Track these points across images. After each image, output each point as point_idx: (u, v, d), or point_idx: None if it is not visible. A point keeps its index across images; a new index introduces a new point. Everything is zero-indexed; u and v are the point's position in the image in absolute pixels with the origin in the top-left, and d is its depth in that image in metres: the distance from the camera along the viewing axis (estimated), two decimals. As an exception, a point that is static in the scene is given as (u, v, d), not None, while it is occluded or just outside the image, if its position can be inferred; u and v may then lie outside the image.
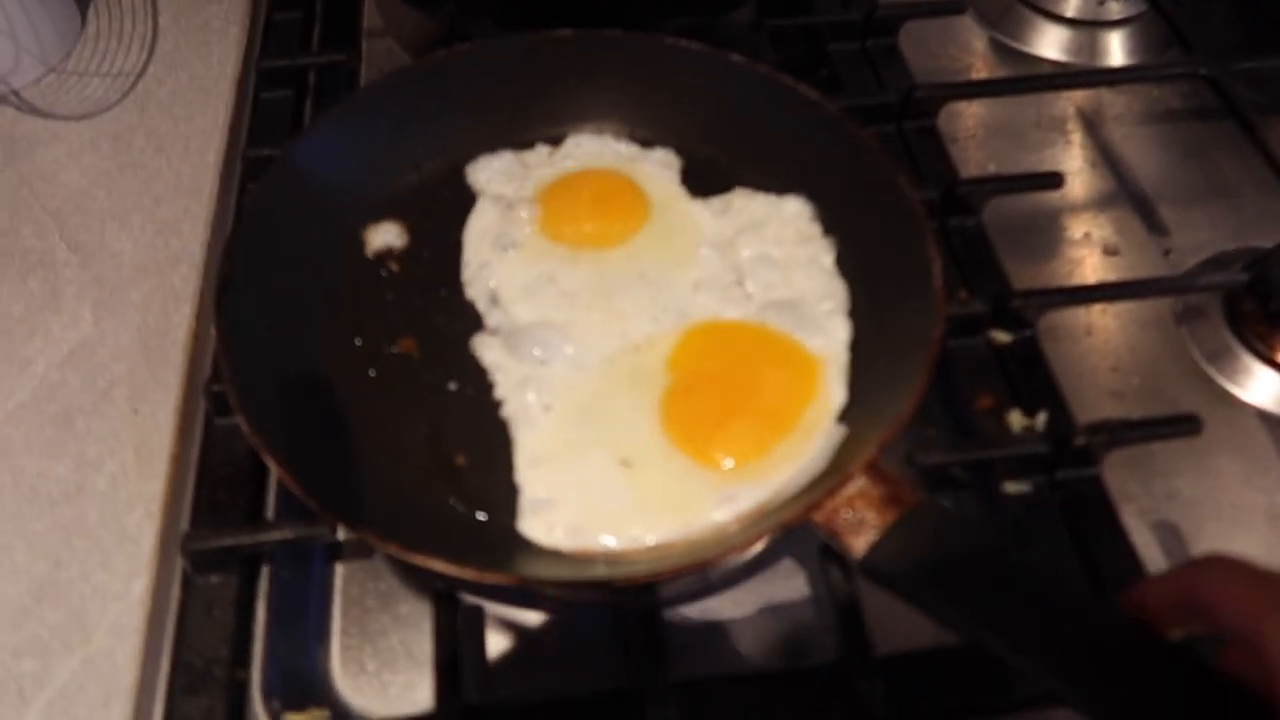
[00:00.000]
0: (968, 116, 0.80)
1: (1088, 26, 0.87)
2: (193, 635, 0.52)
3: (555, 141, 0.68)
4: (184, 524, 0.56)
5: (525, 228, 0.63)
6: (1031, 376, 0.61)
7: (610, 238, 0.63)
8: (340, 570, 0.57)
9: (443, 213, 0.65)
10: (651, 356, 0.57)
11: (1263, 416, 0.64)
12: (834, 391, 0.56)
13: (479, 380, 0.57)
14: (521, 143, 0.68)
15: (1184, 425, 0.57)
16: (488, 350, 0.58)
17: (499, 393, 0.56)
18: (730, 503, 0.51)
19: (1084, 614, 0.42)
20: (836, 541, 0.46)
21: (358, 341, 0.59)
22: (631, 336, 0.58)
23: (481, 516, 0.53)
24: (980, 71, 0.86)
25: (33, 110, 0.75)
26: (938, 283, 0.53)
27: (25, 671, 0.51)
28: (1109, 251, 0.73)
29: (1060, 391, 0.60)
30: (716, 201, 0.65)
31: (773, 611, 0.56)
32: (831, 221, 0.63)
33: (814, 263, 0.62)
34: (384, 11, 0.88)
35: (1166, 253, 0.72)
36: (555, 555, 0.50)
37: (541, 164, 0.67)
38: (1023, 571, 0.44)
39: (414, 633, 0.55)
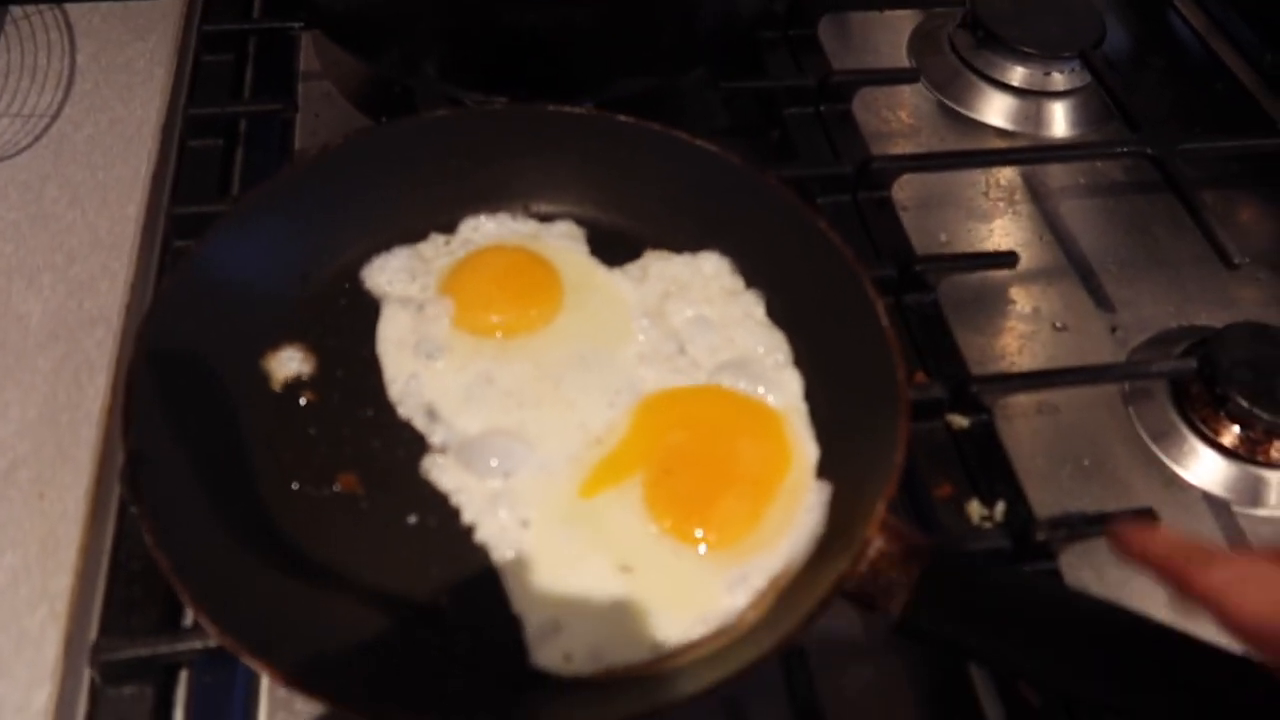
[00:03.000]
0: (917, 183, 0.80)
1: (1033, 96, 0.88)
2: (101, 755, 0.47)
3: (448, 228, 0.64)
4: (94, 626, 0.51)
5: (444, 328, 0.59)
6: (989, 463, 0.60)
7: (535, 320, 0.59)
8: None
9: (345, 327, 0.59)
10: (617, 444, 0.54)
11: (1208, 499, 0.64)
12: (806, 446, 0.55)
13: (440, 507, 0.52)
14: (412, 234, 0.63)
15: (1140, 518, 0.57)
16: (442, 473, 0.53)
17: (467, 517, 0.52)
18: (743, 583, 0.49)
19: (1135, 632, 0.43)
20: (870, 608, 0.45)
21: (295, 486, 0.53)
22: (591, 427, 0.55)
23: (483, 660, 0.48)
24: (927, 135, 0.86)
25: (-68, 153, 0.69)
26: (889, 331, 0.53)
27: (-94, 800, 0.46)
28: (1058, 328, 0.73)
29: (1018, 480, 0.60)
30: (632, 268, 0.63)
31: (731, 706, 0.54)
32: (752, 273, 0.63)
33: (749, 317, 0.61)
34: (322, 54, 0.85)
35: (1113, 330, 0.73)
36: (578, 685, 0.46)
37: (440, 254, 0.63)
38: (1059, 599, 0.46)
39: (348, 738, 0.51)
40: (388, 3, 0.70)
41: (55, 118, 0.72)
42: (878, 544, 0.46)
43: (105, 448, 0.57)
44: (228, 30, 0.78)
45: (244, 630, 0.43)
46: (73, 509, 0.54)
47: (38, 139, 0.71)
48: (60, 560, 0.52)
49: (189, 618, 0.52)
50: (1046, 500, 0.61)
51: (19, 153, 0.70)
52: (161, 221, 0.67)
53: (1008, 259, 0.68)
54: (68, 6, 0.77)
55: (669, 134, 0.63)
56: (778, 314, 0.61)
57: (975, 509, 0.58)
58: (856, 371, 0.55)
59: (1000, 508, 0.58)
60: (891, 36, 0.94)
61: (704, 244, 0.64)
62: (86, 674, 0.50)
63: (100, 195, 0.68)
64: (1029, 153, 0.78)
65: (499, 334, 0.59)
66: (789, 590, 0.49)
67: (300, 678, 0.42)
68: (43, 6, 0.78)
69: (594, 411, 0.56)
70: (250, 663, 0.42)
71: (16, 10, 0.78)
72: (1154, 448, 0.66)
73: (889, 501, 0.48)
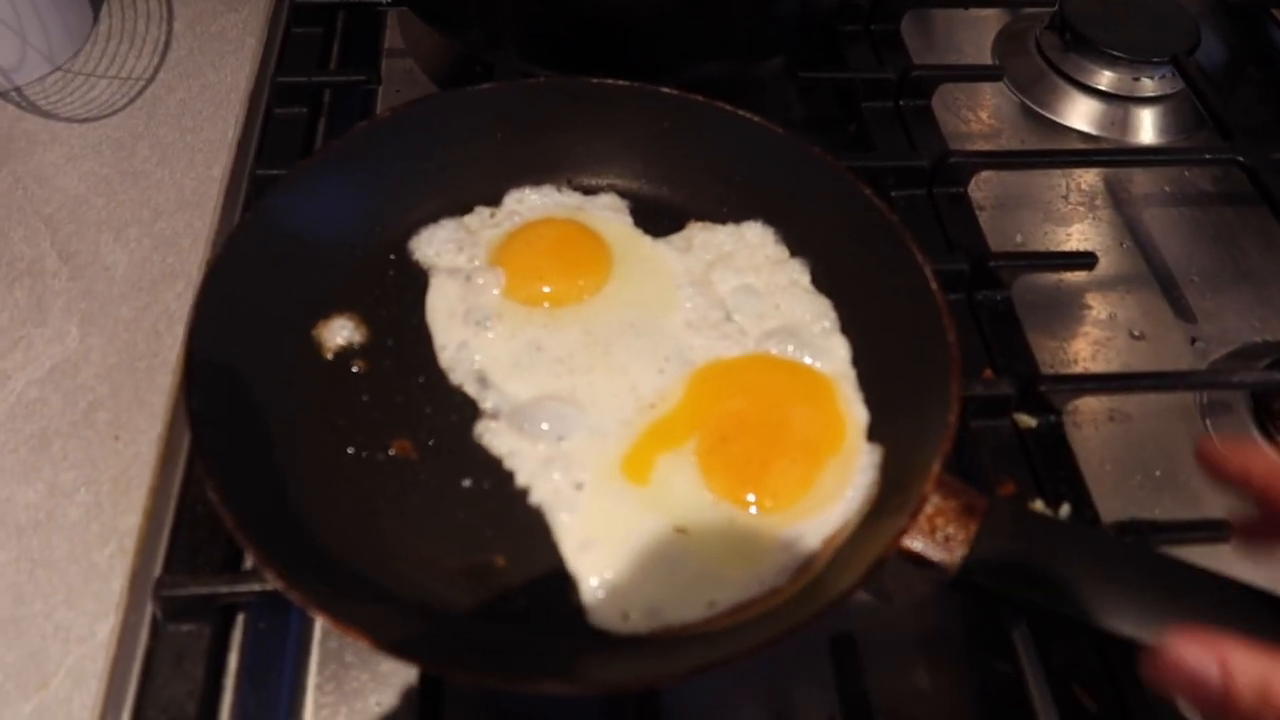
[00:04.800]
0: (995, 183, 0.78)
1: (1120, 101, 0.86)
2: (158, 688, 0.48)
3: (493, 200, 0.65)
4: (158, 564, 0.52)
5: (492, 297, 0.59)
6: (1056, 465, 0.58)
7: (584, 291, 0.60)
8: (319, 622, 0.54)
9: (394, 297, 0.59)
10: (670, 410, 0.55)
11: (1288, 520, 0.61)
12: (856, 410, 0.55)
13: (494, 471, 0.53)
14: (458, 206, 0.64)
15: (1213, 531, 0.54)
16: (495, 437, 0.54)
17: (521, 480, 0.52)
18: (797, 544, 0.49)
19: (1200, 584, 0.44)
20: (927, 563, 0.46)
21: (350, 451, 0.53)
22: (642, 393, 0.55)
23: (541, 619, 0.48)
24: (1008, 137, 0.85)
25: (34, 109, 0.72)
26: (938, 293, 0.53)
27: (-26, 716, 0.47)
28: (1135, 336, 0.71)
29: (1085, 483, 0.58)
30: (677, 239, 0.64)
31: (778, 694, 0.53)
32: (796, 242, 0.63)
33: (794, 285, 0.61)
34: (406, 32, 0.86)
35: (1193, 341, 0.70)
36: (635, 642, 0.46)
37: (485, 226, 0.63)
38: (1118, 551, 0.47)
39: (392, 694, 0.52)
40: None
41: (150, 81, 0.75)
42: (935, 500, 0.47)
43: (178, 396, 0.58)
44: (318, 3, 0.80)
45: (306, 581, 0.44)
46: (145, 452, 0.56)
47: (132, 100, 0.73)
48: (131, 500, 0.54)
49: (248, 561, 0.53)
50: (1113, 507, 0.59)
51: (114, 113, 0.72)
52: (244, 183, 0.69)
53: (1086, 260, 0.66)
54: (168, -25, 0.80)
55: (712, 105, 0.64)
56: (822, 281, 0.61)
57: (1039, 509, 0.56)
58: (905, 335, 0.55)
59: (1065, 510, 0.56)
60: (975, 36, 0.92)
61: (747, 214, 0.64)
62: (149, 609, 0.51)
63: (188, 156, 0.70)
64: (1115, 155, 0.76)
65: (548, 303, 0.60)
66: (845, 549, 0.49)
67: (361, 628, 0.42)
68: (145, -25, 0.81)
69: (644, 377, 0.56)
70: (312, 611, 0.43)
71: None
72: (1230, 464, 0.64)
73: (944, 459, 0.48)
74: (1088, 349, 0.70)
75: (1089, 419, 0.65)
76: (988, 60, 0.90)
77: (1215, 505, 0.61)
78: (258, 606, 0.52)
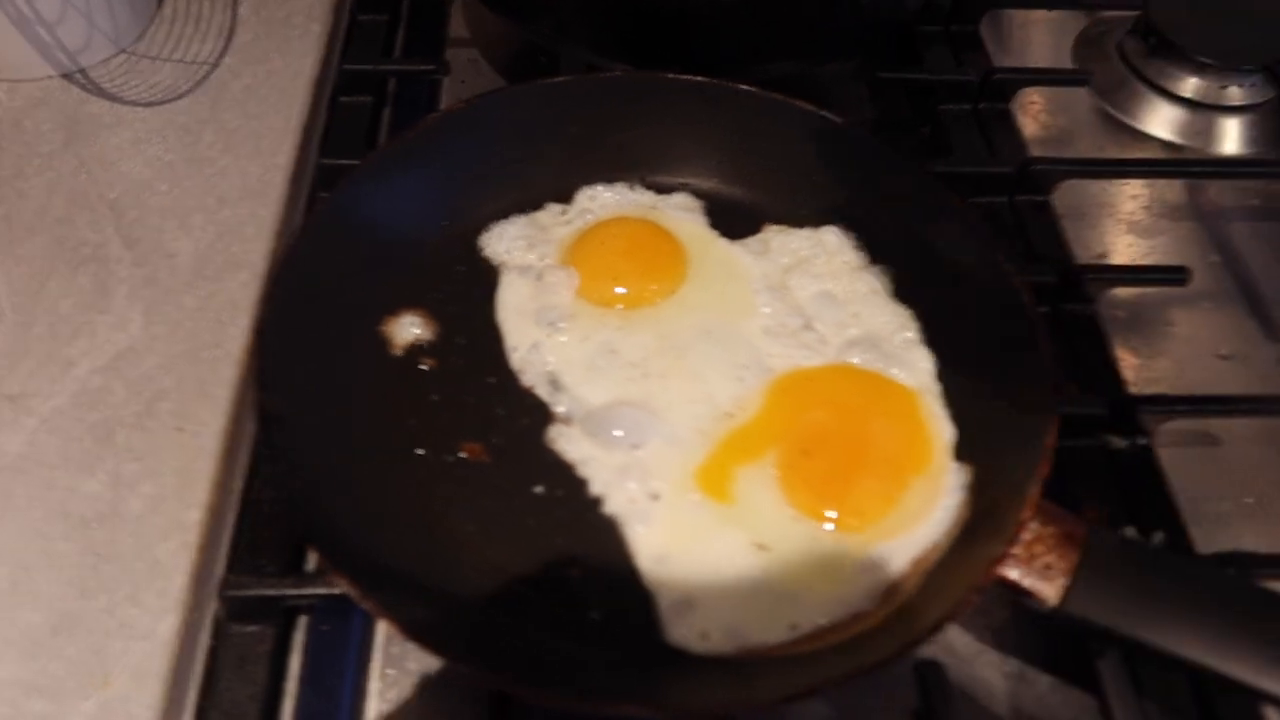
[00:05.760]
0: (1075, 191, 0.75)
1: (1204, 110, 0.83)
2: (221, 689, 0.47)
3: (564, 197, 0.63)
4: (221, 562, 0.52)
5: (565, 297, 0.58)
6: (1147, 490, 0.56)
7: (659, 293, 0.58)
8: (383, 626, 0.52)
9: (464, 294, 0.58)
10: (748, 420, 0.53)
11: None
12: (943, 427, 0.53)
13: (567, 478, 0.51)
14: (529, 203, 0.62)
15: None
16: (569, 443, 0.52)
17: (595, 489, 0.51)
18: (883, 566, 0.47)
19: None
20: (1024, 593, 0.44)
21: (419, 452, 0.52)
22: (719, 401, 0.54)
23: (615, 634, 0.47)
24: (1086, 142, 0.82)
25: (100, 92, 0.71)
26: (1031, 308, 0.52)
27: (34, 712, 0.46)
28: (1222, 356, 0.68)
29: (1178, 511, 0.55)
30: (752, 242, 0.62)
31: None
32: (875, 249, 0.61)
33: (874, 294, 0.59)
34: (471, 21, 0.85)
35: (1285, 363, 0.68)
36: (713, 664, 0.45)
37: (557, 223, 0.62)
38: (1231, 586, 0.45)
39: (457, 700, 0.50)
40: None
41: (215, 66, 0.74)
42: (1033, 527, 0.44)
43: (243, 388, 0.57)
44: (386, -11, 0.78)
45: (377, 589, 0.43)
46: (209, 445, 0.55)
47: (197, 85, 0.72)
48: (194, 494, 0.53)
49: (311, 563, 0.52)
50: (1201, 536, 0.56)
51: (179, 97, 0.71)
52: (309, 173, 0.68)
53: (1178, 274, 0.63)
54: (234, -41, 0.79)
55: (792, 104, 0.62)
56: (904, 291, 0.59)
57: (1131, 537, 0.54)
58: (993, 350, 0.53)
59: (1158, 538, 0.54)
60: (1055, 39, 0.89)
61: (825, 218, 0.62)
62: (212, 609, 0.50)
63: (253, 143, 0.69)
64: (1207, 166, 0.72)
65: (621, 305, 0.58)
66: (935, 574, 0.47)
67: (431, 640, 0.41)
68: (211, -42, 0.80)
69: (721, 385, 0.55)
70: (380, 617, 0.41)
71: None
72: (1325, 493, 0.61)
73: (1043, 482, 0.45)
74: (1171, 367, 0.67)
75: (1172, 440, 0.62)
76: (1067, 63, 0.87)
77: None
78: (321, 609, 0.51)
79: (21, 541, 0.51)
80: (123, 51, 0.74)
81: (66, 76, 0.72)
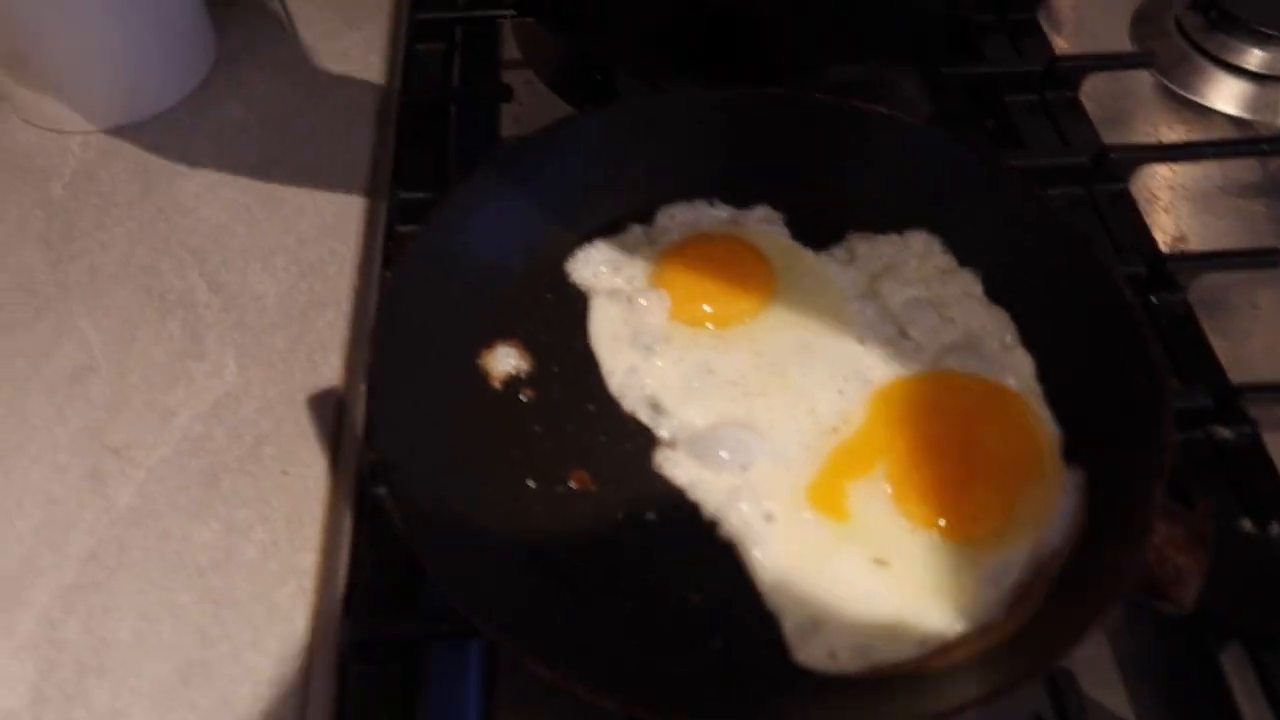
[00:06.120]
0: (1149, 176, 0.75)
1: (1272, 81, 0.81)
2: (353, 730, 0.48)
3: (644, 218, 0.63)
4: (339, 602, 0.52)
5: (658, 319, 0.58)
6: (1259, 480, 0.55)
7: (751, 310, 0.58)
8: (506, 655, 0.52)
9: (555, 321, 0.58)
10: (853, 434, 0.53)
11: None
12: (1050, 429, 0.53)
13: (678, 503, 0.51)
14: (611, 226, 0.62)
15: None
16: (675, 467, 0.52)
17: (708, 512, 0.51)
18: (1005, 575, 0.47)
19: None
20: (1160, 597, 0.43)
21: (530, 484, 0.52)
22: (822, 416, 0.53)
23: (742, 658, 0.47)
24: (1154, 123, 0.81)
25: (170, 138, 0.71)
26: (1132, 301, 0.52)
27: (175, 763, 0.47)
28: (1317, 338, 0.67)
29: (1292, 500, 0.55)
30: (838, 251, 0.62)
31: None
32: (965, 251, 0.60)
33: (968, 296, 0.59)
34: (523, 43, 0.85)
35: (1381, 342, 0.66)
36: (845, 684, 0.45)
37: (641, 244, 0.62)
38: None
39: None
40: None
41: (279, 103, 0.74)
42: (1161, 530, 0.44)
43: (339, 429, 0.58)
44: (439, 19, 0.79)
45: (506, 624, 0.43)
46: (314, 486, 0.55)
47: (264, 124, 0.73)
48: (306, 536, 0.53)
49: (430, 600, 0.52)
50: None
51: (248, 138, 0.72)
52: (383, 207, 0.68)
53: (1271, 256, 0.62)
54: (287, -4, 0.79)
55: (866, 110, 0.62)
56: (997, 292, 0.59)
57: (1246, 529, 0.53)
58: (1095, 348, 0.53)
59: (1275, 529, 0.53)
60: (1111, 19, 0.88)
61: (910, 223, 0.62)
62: (334, 649, 0.50)
63: (326, 180, 0.69)
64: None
65: (714, 324, 0.58)
66: (1062, 582, 0.46)
67: (563, 669, 0.41)
68: (265, -4, 0.80)
69: (823, 399, 0.54)
70: (518, 655, 0.42)
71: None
72: None
73: (1166, 483, 0.45)
74: (1262, 351, 0.66)
75: (1269, 426, 0.61)
76: (1124, 41, 0.86)
77: None
78: (442, 644, 0.51)
79: (142, 594, 0.52)
80: (189, 94, 0.74)
81: (138, 124, 0.72)
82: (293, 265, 0.65)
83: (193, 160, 0.71)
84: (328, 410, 0.58)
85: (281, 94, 0.75)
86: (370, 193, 0.69)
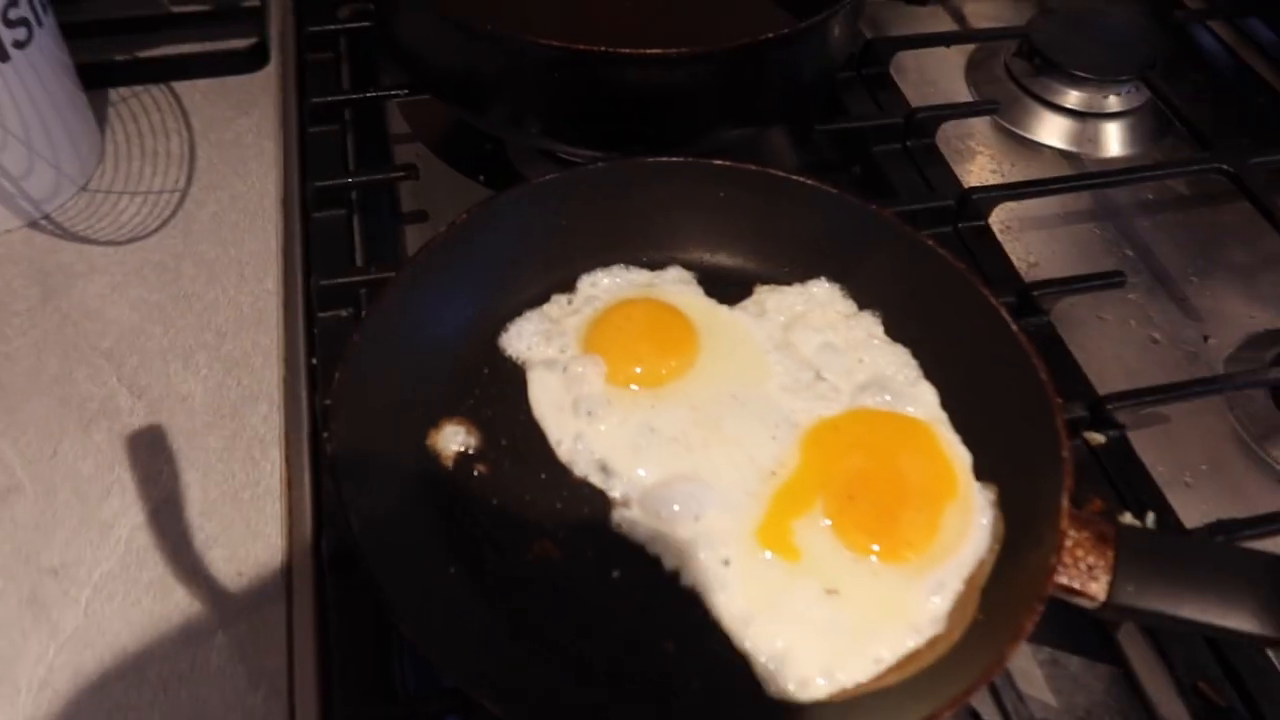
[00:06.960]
0: (1001, 210, 0.83)
1: (1089, 117, 0.93)
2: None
3: (567, 287, 0.66)
4: (314, 701, 0.52)
5: (595, 385, 0.60)
6: (1131, 477, 0.63)
7: (681, 368, 0.62)
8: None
9: (498, 396, 0.60)
10: (790, 476, 0.57)
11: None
12: (960, 452, 0.59)
13: (639, 559, 0.54)
14: (535, 298, 0.65)
15: (1284, 522, 0.60)
16: (633, 526, 0.55)
17: (669, 564, 0.54)
18: (942, 588, 0.52)
19: None
20: (1076, 594, 0.49)
21: (494, 558, 0.54)
22: (761, 462, 0.58)
23: (719, 698, 0.50)
24: (994, 158, 0.90)
25: (67, 237, 0.70)
26: (1014, 328, 0.58)
27: None
28: (1154, 340, 0.77)
29: (1162, 492, 0.63)
30: (749, 304, 0.66)
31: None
32: (863, 295, 0.66)
33: (871, 337, 0.64)
34: (409, 116, 0.86)
35: (1206, 339, 0.77)
36: (819, 709, 0.49)
37: (566, 314, 0.65)
38: (1252, 560, 0.50)
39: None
40: (496, 63, 0.71)
41: (177, 195, 0.73)
42: (1070, 534, 0.50)
43: (291, 521, 0.58)
44: (330, 102, 0.79)
45: (492, 691, 0.45)
46: (271, 586, 0.55)
47: (165, 219, 0.72)
48: (271, 638, 0.53)
49: (403, 684, 0.53)
50: (1178, 506, 0.64)
51: (149, 234, 0.71)
52: (300, 294, 0.68)
53: (1116, 278, 0.71)
54: (175, 84, 0.78)
55: (763, 172, 0.67)
56: (897, 331, 0.64)
57: (1128, 521, 0.61)
58: (989, 373, 0.59)
59: (1151, 518, 0.61)
60: (947, 68, 0.98)
61: (810, 273, 0.67)
62: (318, 747, 0.51)
63: (237, 271, 0.69)
64: (1117, 175, 0.82)
65: (648, 385, 0.61)
66: (991, 590, 0.52)
67: None
68: (148, 86, 0.79)
69: (759, 446, 0.58)
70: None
71: (115, 93, 0.79)
72: (1258, 449, 0.70)
73: (1072, 495, 0.51)
74: (1113, 358, 0.75)
75: (1133, 424, 0.70)
76: (960, 85, 0.96)
77: (1257, 494, 0.67)
78: None
79: (103, 717, 0.51)
80: (82, 190, 0.72)
81: (27, 228, 0.70)
82: (216, 362, 0.64)
83: (93, 261, 0.69)
84: (275, 505, 0.58)
85: (176, 184, 0.74)
86: (287, 282, 0.69)
